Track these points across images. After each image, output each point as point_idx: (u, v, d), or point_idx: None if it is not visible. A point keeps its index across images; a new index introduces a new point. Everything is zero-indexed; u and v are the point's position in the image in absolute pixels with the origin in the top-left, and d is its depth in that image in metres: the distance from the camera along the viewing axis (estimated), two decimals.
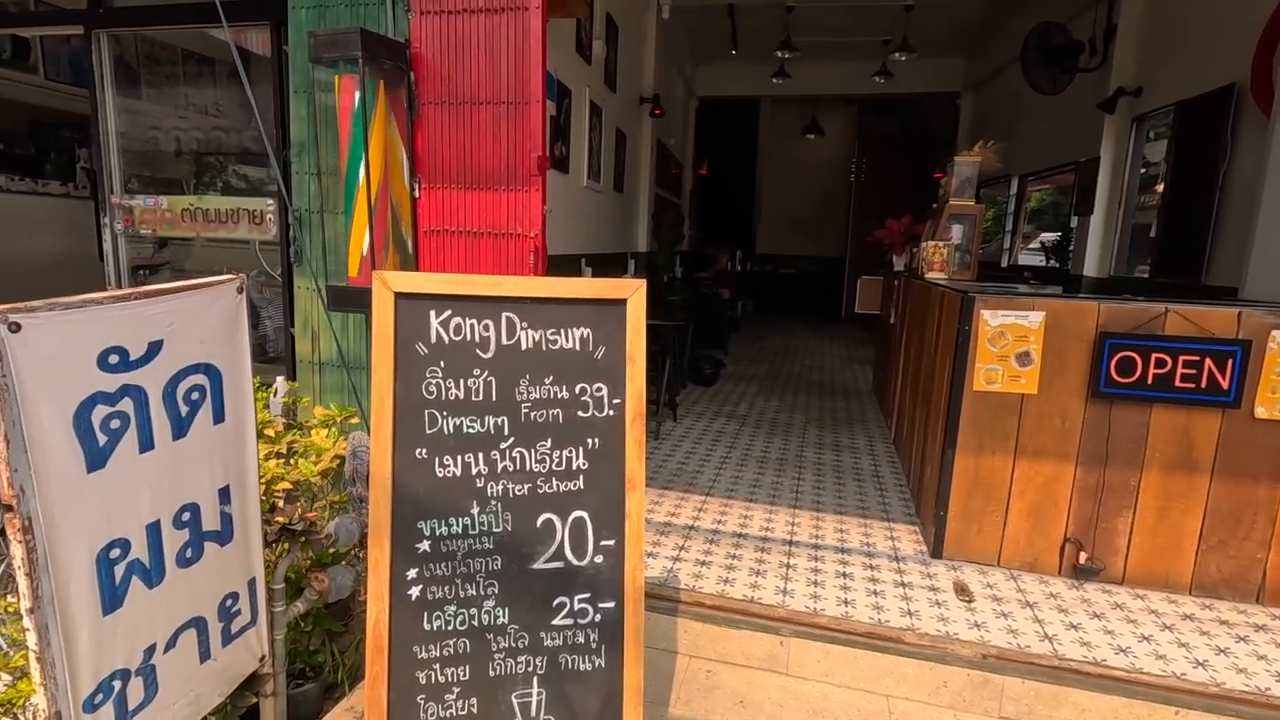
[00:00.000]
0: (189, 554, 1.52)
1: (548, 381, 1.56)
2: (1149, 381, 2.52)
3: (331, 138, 2.47)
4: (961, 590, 2.61)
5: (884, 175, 11.65)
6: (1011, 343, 2.67)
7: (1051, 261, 6.67)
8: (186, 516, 1.51)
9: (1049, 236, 7.13)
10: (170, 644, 1.50)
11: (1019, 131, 7.82)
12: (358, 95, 2.27)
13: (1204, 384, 2.48)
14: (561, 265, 4.33)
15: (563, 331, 1.56)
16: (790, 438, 4.58)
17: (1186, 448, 2.56)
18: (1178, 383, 2.50)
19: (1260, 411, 2.46)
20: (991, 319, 2.68)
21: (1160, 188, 5.17)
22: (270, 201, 3.25)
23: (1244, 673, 2.15)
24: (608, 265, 5.51)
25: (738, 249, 11.93)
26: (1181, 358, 2.49)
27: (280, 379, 2.90)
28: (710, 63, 10.05)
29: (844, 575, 2.69)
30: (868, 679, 2.26)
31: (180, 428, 1.47)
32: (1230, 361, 2.44)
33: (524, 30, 2.35)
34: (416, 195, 2.52)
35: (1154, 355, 2.51)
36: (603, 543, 1.57)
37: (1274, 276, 2.97)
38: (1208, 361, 2.46)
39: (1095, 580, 2.70)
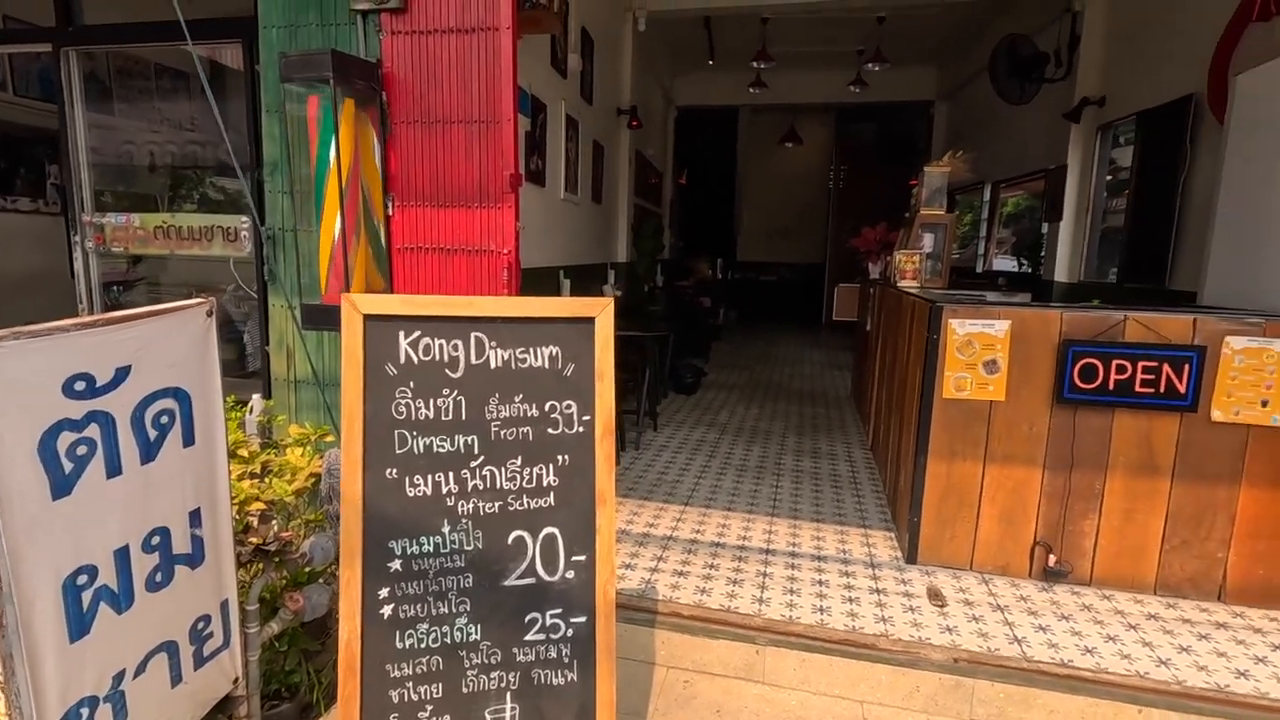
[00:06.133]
0: (159, 578, 1.52)
1: (517, 400, 1.58)
2: (1110, 387, 2.59)
3: (304, 156, 2.48)
4: (935, 595, 2.65)
5: (863, 182, 11.79)
6: (979, 351, 2.73)
7: (1025, 267, 6.79)
8: (156, 540, 1.51)
9: (1021, 242, 7.27)
10: (140, 669, 1.49)
11: (991, 139, 7.97)
12: (328, 115, 2.28)
13: (1163, 389, 2.55)
14: (540, 278, 4.35)
15: (532, 350, 1.58)
16: (770, 445, 4.62)
17: (1148, 451, 2.63)
18: (1138, 388, 2.57)
19: (1216, 415, 2.54)
20: (959, 328, 2.74)
21: (1126, 195, 5.30)
22: (245, 219, 3.24)
23: (1204, 670, 2.21)
24: (587, 276, 5.54)
25: (719, 257, 12.00)
26: (1141, 363, 2.56)
27: (256, 397, 2.89)
28: (688, 73, 10.15)
29: (820, 583, 2.73)
30: (843, 685, 2.29)
31: (149, 452, 1.47)
32: (1187, 367, 2.52)
33: (494, 50, 2.38)
34: (390, 213, 2.53)
35: (1115, 361, 2.58)
36: (574, 558, 1.59)
37: (1229, 282, 3.06)
38: (1165, 367, 2.54)
39: (1064, 582, 2.76)
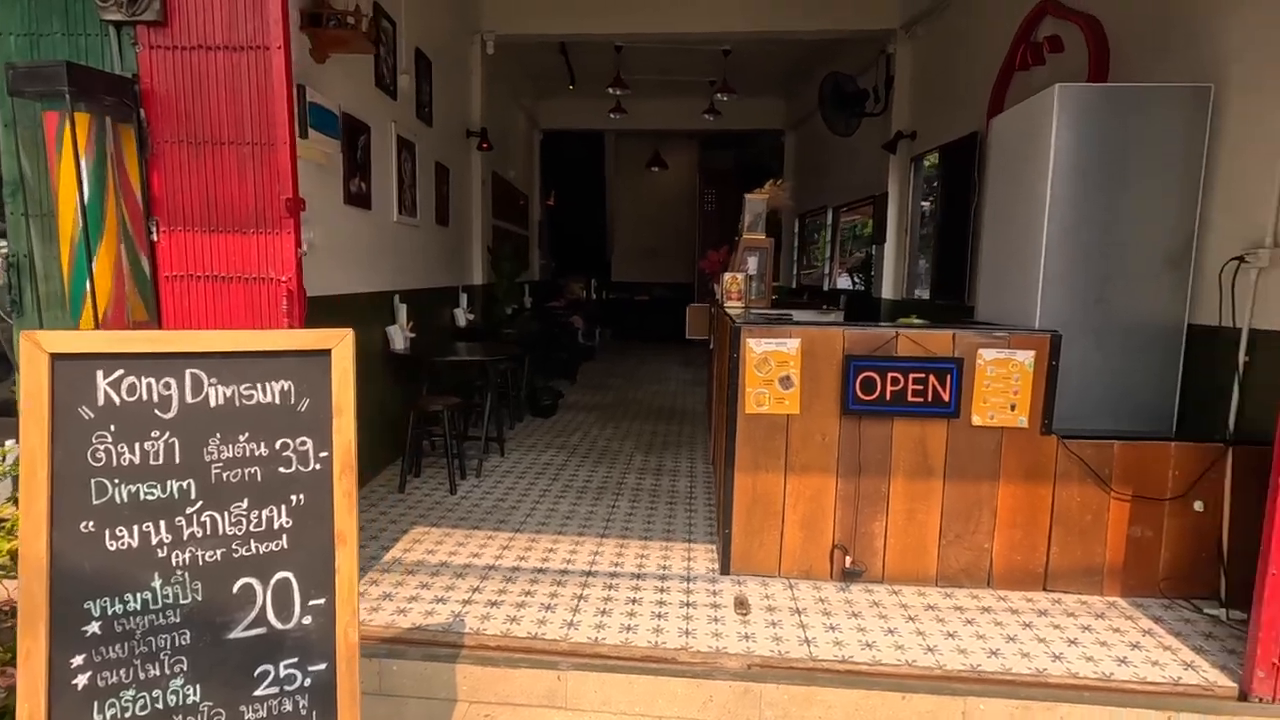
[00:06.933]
0: None
1: (242, 439, 1.49)
2: (888, 398, 2.82)
3: (45, 176, 2.25)
4: (740, 604, 2.75)
5: (726, 206, 12.30)
6: (775, 368, 2.89)
7: (858, 285, 7.32)
8: None
9: (858, 263, 7.84)
10: None
11: (831, 167, 8.58)
12: (70, 133, 2.09)
13: (930, 398, 2.80)
14: (372, 303, 4.19)
15: (259, 385, 1.50)
16: (616, 465, 4.66)
17: (923, 455, 2.88)
18: (910, 398, 2.81)
19: (976, 420, 2.82)
20: (756, 346, 2.89)
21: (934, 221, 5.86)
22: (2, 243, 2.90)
23: (964, 653, 2.43)
24: (434, 300, 5.41)
25: (593, 277, 12.11)
26: (911, 375, 2.80)
27: (10, 443, 2.57)
28: (552, 97, 10.23)
29: (633, 601, 2.76)
30: (642, 703, 2.32)
31: None
32: (949, 377, 2.79)
33: (266, 69, 2.28)
34: (155, 238, 2.35)
35: (890, 374, 2.81)
36: (311, 602, 1.52)
37: (992, 299, 3.44)
38: (931, 378, 2.80)
39: (860, 581, 2.95)
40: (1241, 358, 2.76)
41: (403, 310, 4.51)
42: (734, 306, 4.15)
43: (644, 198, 13.15)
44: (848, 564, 2.93)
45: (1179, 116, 2.94)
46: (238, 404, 1.49)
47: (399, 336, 4.39)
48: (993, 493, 2.87)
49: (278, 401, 1.52)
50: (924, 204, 6.24)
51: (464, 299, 6.16)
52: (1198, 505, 2.75)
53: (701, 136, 12.48)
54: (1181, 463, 2.75)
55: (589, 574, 2.99)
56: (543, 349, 6.94)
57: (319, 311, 3.45)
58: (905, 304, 6.12)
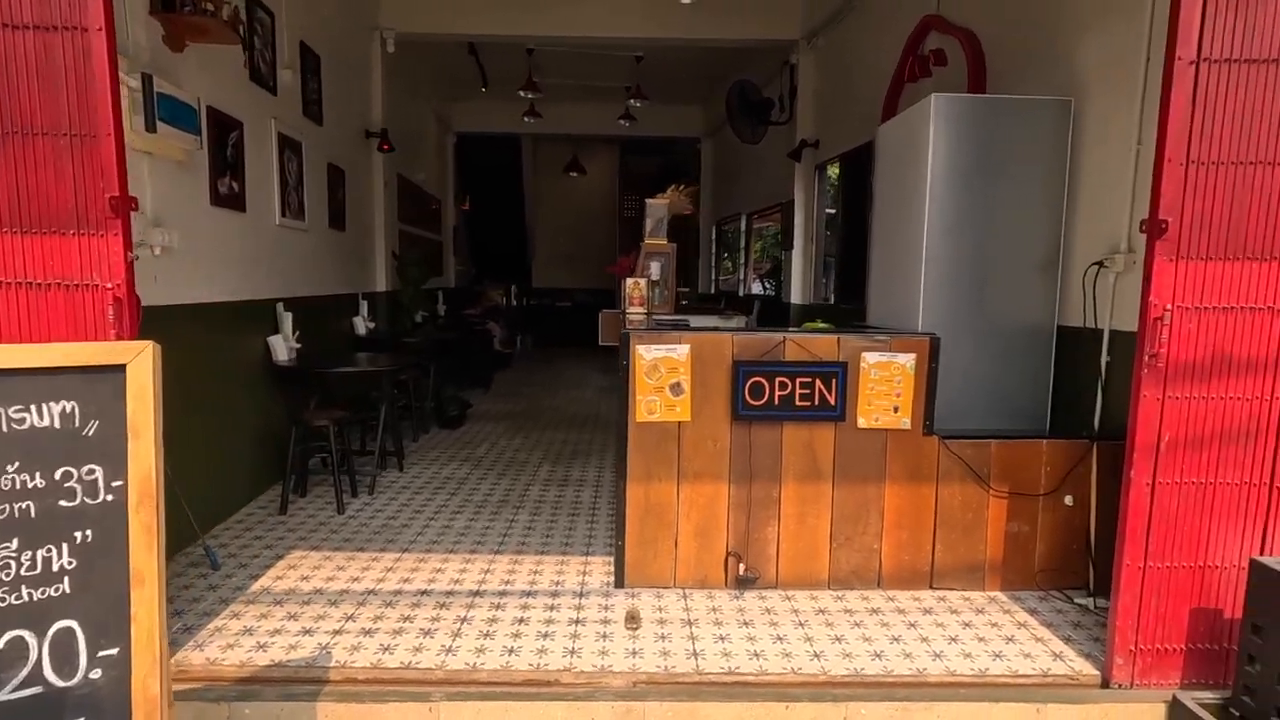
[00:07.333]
0: None
1: (12, 469, 1.29)
2: (776, 402, 2.81)
3: None
4: (631, 619, 2.67)
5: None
6: (665, 375, 2.84)
7: (769, 290, 7.44)
8: None
9: (770, 268, 7.98)
10: None
11: (744, 175, 8.71)
12: None
13: (817, 401, 2.81)
14: (248, 311, 3.90)
15: (34, 407, 1.31)
16: (520, 477, 4.52)
17: (812, 459, 2.88)
18: (798, 402, 2.81)
19: (861, 422, 2.84)
20: (646, 353, 2.82)
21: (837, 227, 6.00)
22: None
23: (849, 657, 2.42)
24: (329, 308, 5.12)
25: (514, 284, 11.86)
26: (798, 380, 2.80)
27: None
28: (466, 99, 9.97)
29: (520, 621, 2.63)
30: None
31: None
32: (834, 381, 2.80)
33: (85, 53, 2.05)
34: None
35: (778, 379, 2.80)
36: (101, 653, 1.33)
37: (880, 303, 3.51)
38: (818, 382, 2.80)
39: (754, 588, 2.93)
40: (1104, 358, 2.90)
41: (288, 319, 4.23)
42: (636, 312, 4.09)
43: (564, 203, 13.03)
44: (742, 571, 2.90)
45: (1045, 127, 3.07)
46: (5, 429, 1.29)
47: (282, 347, 4.11)
48: (879, 494, 2.91)
49: (57, 425, 1.33)
50: (829, 211, 6.39)
51: (364, 307, 5.88)
52: (1068, 500, 2.87)
53: (622, 142, 12.47)
54: (1053, 459, 2.86)
55: (476, 594, 2.85)
56: (452, 357, 6.70)
57: (181, 321, 3.18)
58: (813, 308, 6.24)
